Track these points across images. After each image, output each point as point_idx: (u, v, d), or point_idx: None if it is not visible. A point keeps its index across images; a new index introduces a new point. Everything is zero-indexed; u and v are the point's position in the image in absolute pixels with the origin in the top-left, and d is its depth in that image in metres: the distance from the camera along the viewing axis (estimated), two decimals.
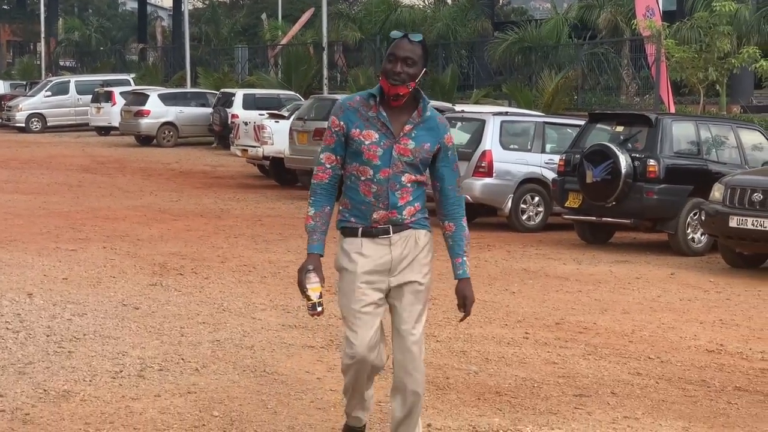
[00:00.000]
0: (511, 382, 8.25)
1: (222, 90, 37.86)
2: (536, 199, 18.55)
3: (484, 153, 18.26)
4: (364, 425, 6.20)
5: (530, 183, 18.55)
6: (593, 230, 17.09)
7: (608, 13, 35.07)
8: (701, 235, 15.96)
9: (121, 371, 8.14)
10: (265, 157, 25.78)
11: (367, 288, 5.72)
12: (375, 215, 5.72)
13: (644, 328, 10.45)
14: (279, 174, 25.66)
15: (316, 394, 7.70)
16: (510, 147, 18.70)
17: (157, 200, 21.31)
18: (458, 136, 17.74)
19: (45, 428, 6.84)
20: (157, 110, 37.98)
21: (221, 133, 34.19)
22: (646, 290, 12.77)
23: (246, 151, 26.58)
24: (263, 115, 28.11)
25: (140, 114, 37.98)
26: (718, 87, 25.91)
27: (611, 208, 16.19)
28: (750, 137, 17.37)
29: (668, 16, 29.06)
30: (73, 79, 48.62)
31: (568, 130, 19.28)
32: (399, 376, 5.84)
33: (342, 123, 5.73)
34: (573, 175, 16.65)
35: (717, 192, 14.64)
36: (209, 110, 36.45)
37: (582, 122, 18.43)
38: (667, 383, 8.39)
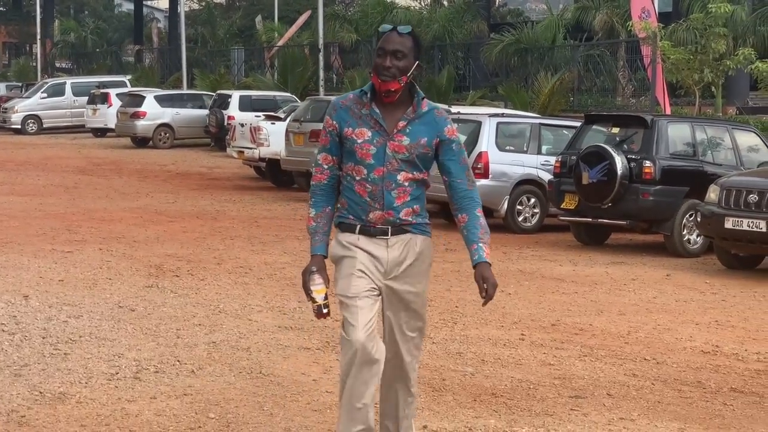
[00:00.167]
0: (507, 383, 8.25)
1: (218, 92, 37.86)
2: (532, 200, 18.56)
3: (480, 154, 18.28)
4: None
5: (526, 184, 18.56)
6: (589, 231, 17.11)
7: (604, 15, 35.08)
8: (697, 237, 15.98)
9: (117, 373, 8.14)
10: (262, 159, 25.78)
11: (364, 275, 5.55)
12: (371, 215, 5.56)
13: (640, 330, 10.46)
14: (275, 176, 25.66)
15: (312, 395, 7.70)
16: (506, 148, 18.71)
17: (153, 202, 21.30)
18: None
19: (40, 430, 6.83)
20: (153, 112, 37.98)
21: (217, 135, 34.19)
22: (642, 291, 12.78)
23: (242, 152, 26.57)
24: (259, 116, 28.12)
25: (136, 116, 37.98)
26: (713, 88, 25.93)
27: (607, 209, 16.20)
28: (745, 139, 17.39)
29: (664, 18, 29.09)
30: (69, 81, 48.59)
31: (564, 131, 19.28)
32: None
33: (335, 122, 5.60)
34: (569, 177, 16.66)
35: (712, 193, 14.65)
36: (205, 112, 36.46)
37: (578, 124, 18.44)
38: (663, 384, 8.39)
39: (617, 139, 16.77)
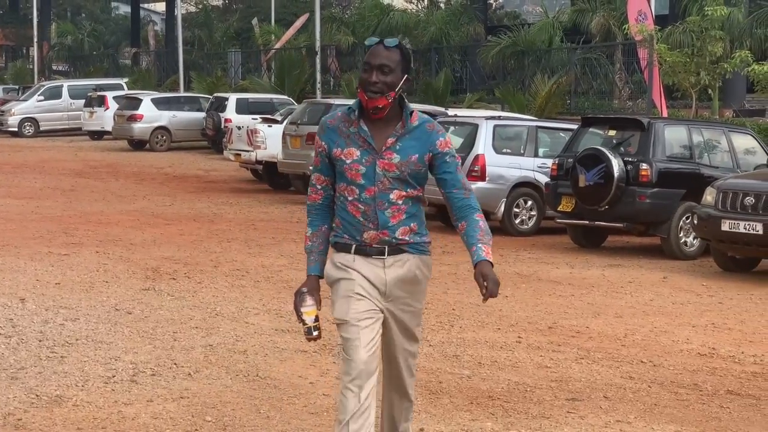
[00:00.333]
0: (504, 386, 8.25)
1: (215, 94, 37.86)
2: (529, 203, 18.56)
3: (477, 157, 18.29)
4: None
5: (523, 187, 18.57)
6: (586, 234, 17.11)
7: (600, 18, 35.11)
8: (694, 239, 15.98)
9: (114, 376, 8.14)
10: (258, 162, 25.78)
11: (363, 298, 5.34)
12: (366, 236, 5.35)
13: (637, 332, 10.46)
14: (272, 178, 25.65)
15: (308, 398, 7.70)
16: (503, 151, 18.72)
17: (150, 205, 21.29)
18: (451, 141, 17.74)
19: None
20: (150, 114, 37.95)
21: (214, 138, 34.17)
22: (638, 294, 12.78)
23: (239, 155, 26.56)
24: (256, 119, 28.12)
25: (133, 118, 37.95)
26: (710, 91, 25.93)
27: (604, 212, 16.20)
28: (742, 141, 17.41)
29: (660, 20, 29.10)
30: (65, 84, 48.53)
31: (561, 134, 19.29)
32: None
33: (323, 143, 5.40)
34: (566, 179, 16.67)
35: (709, 196, 14.66)
36: (202, 114, 36.44)
37: (575, 126, 18.45)
38: (660, 387, 8.40)
39: (614, 141, 16.78)
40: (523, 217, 18.56)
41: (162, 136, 38.04)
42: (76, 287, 11.86)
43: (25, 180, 25.95)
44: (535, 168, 18.67)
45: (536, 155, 18.90)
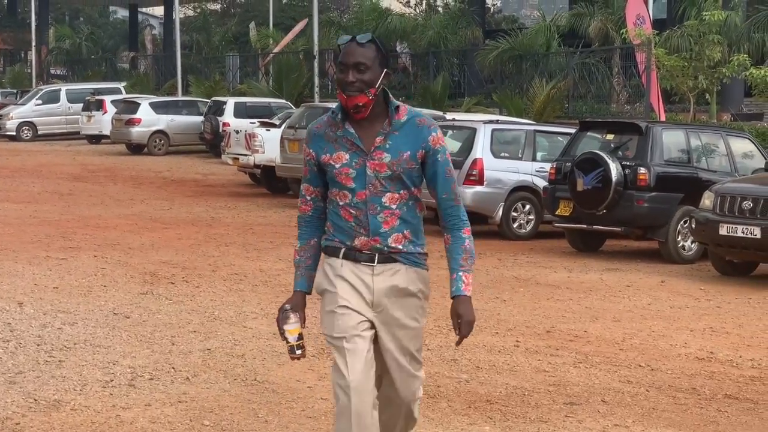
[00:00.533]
0: (502, 390, 8.25)
1: (213, 98, 37.83)
2: (527, 207, 18.57)
3: (475, 161, 18.29)
4: None
5: (521, 191, 18.57)
6: (584, 238, 17.12)
7: (598, 22, 35.14)
8: (692, 243, 15.99)
9: (112, 380, 8.14)
10: (257, 166, 25.78)
11: (348, 311, 5.11)
12: (357, 241, 5.11)
13: (635, 336, 10.47)
14: (270, 182, 25.65)
15: (306, 402, 7.70)
16: (501, 155, 18.73)
17: (148, 209, 21.29)
18: (449, 145, 17.74)
19: None
20: (148, 118, 37.96)
21: (212, 142, 34.17)
22: (636, 298, 12.79)
23: (237, 159, 26.57)
24: (254, 123, 28.12)
25: (131, 122, 37.95)
26: (708, 95, 25.97)
27: (602, 216, 16.21)
28: (740, 145, 17.42)
29: (659, 24, 29.11)
30: (63, 88, 48.55)
31: (559, 138, 19.31)
32: None
33: (311, 151, 5.17)
34: (564, 183, 16.68)
35: (707, 200, 14.67)
36: (200, 118, 36.43)
37: (573, 130, 18.46)
38: (658, 391, 8.40)
39: (612, 145, 16.79)
40: (521, 221, 18.56)
41: (160, 140, 38.04)
42: (74, 291, 11.86)
43: (23, 184, 25.94)
44: (533, 172, 18.67)
45: (534, 159, 18.91)
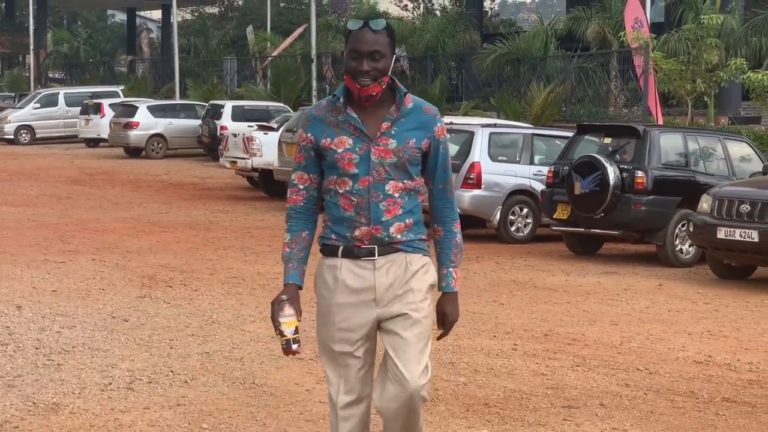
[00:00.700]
0: (500, 393, 8.26)
1: (211, 102, 37.88)
2: (525, 210, 18.58)
3: (472, 165, 18.30)
4: None
5: (519, 194, 18.59)
6: (582, 242, 17.13)
7: (596, 25, 35.17)
8: (689, 247, 16.00)
9: (110, 384, 8.14)
10: (254, 169, 25.79)
11: (348, 322, 4.93)
12: (357, 232, 4.88)
13: (633, 340, 10.47)
14: (268, 186, 25.65)
15: (305, 406, 7.71)
16: (499, 159, 18.74)
17: (146, 212, 21.30)
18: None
19: None
20: (146, 122, 37.96)
21: (210, 145, 34.19)
22: (634, 301, 12.80)
23: (235, 162, 26.58)
24: (252, 126, 28.13)
25: (129, 126, 37.96)
26: (706, 99, 25.99)
27: (599, 219, 16.22)
28: (737, 149, 17.44)
29: (656, 28, 29.18)
30: (62, 91, 48.54)
31: (557, 141, 19.33)
32: None
33: (310, 135, 4.94)
34: (561, 187, 16.69)
35: (705, 203, 14.68)
36: (198, 122, 36.46)
37: (570, 134, 18.48)
38: (656, 394, 8.40)
39: (609, 149, 16.80)
40: (519, 225, 18.57)
41: (158, 144, 38.05)
42: (73, 295, 11.86)
43: (21, 188, 25.94)
44: (531, 175, 18.69)
45: (532, 163, 18.92)
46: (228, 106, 34.66)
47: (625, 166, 16.19)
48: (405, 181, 4.90)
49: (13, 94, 55.81)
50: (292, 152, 23.04)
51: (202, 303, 11.64)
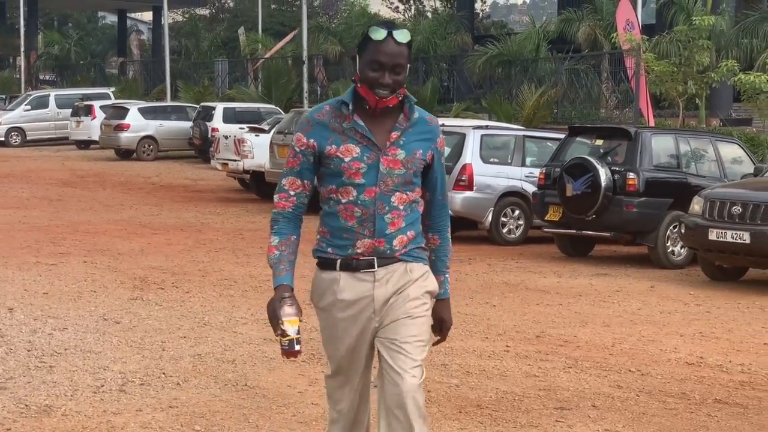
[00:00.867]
0: (492, 395, 8.26)
1: (202, 104, 37.88)
2: (516, 212, 18.59)
3: (464, 166, 18.31)
4: None
5: (510, 196, 18.60)
6: (573, 243, 17.15)
7: (587, 27, 35.21)
8: (681, 248, 16.02)
9: (103, 386, 8.13)
10: (246, 171, 25.79)
11: (349, 335, 4.81)
12: (358, 244, 4.70)
13: (624, 341, 10.48)
14: (259, 187, 25.64)
15: (297, 407, 7.70)
16: (490, 160, 18.75)
17: (137, 214, 21.28)
18: None
19: None
20: (137, 124, 37.92)
21: (201, 147, 34.19)
22: (626, 303, 12.81)
23: (226, 164, 26.56)
24: (243, 128, 28.13)
25: (120, 128, 37.92)
26: (697, 100, 26.04)
27: (591, 221, 16.24)
28: (729, 150, 17.47)
29: (648, 30, 29.22)
30: (52, 93, 48.46)
31: (548, 143, 19.34)
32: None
33: (312, 141, 4.70)
34: (553, 189, 16.71)
35: (696, 205, 14.70)
36: (189, 124, 36.44)
37: (562, 136, 18.50)
38: (648, 396, 8.41)
39: (601, 151, 16.82)
40: (511, 227, 18.58)
41: (149, 146, 38.01)
42: (64, 297, 11.85)
43: (12, 190, 25.91)
44: (523, 177, 18.70)
45: (523, 164, 18.94)
46: (219, 108, 34.66)
47: (617, 168, 16.21)
48: (408, 193, 4.76)
49: (3, 96, 55.71)
50: (284, 154, 23.06)
51: (194, 305, 11.63)
